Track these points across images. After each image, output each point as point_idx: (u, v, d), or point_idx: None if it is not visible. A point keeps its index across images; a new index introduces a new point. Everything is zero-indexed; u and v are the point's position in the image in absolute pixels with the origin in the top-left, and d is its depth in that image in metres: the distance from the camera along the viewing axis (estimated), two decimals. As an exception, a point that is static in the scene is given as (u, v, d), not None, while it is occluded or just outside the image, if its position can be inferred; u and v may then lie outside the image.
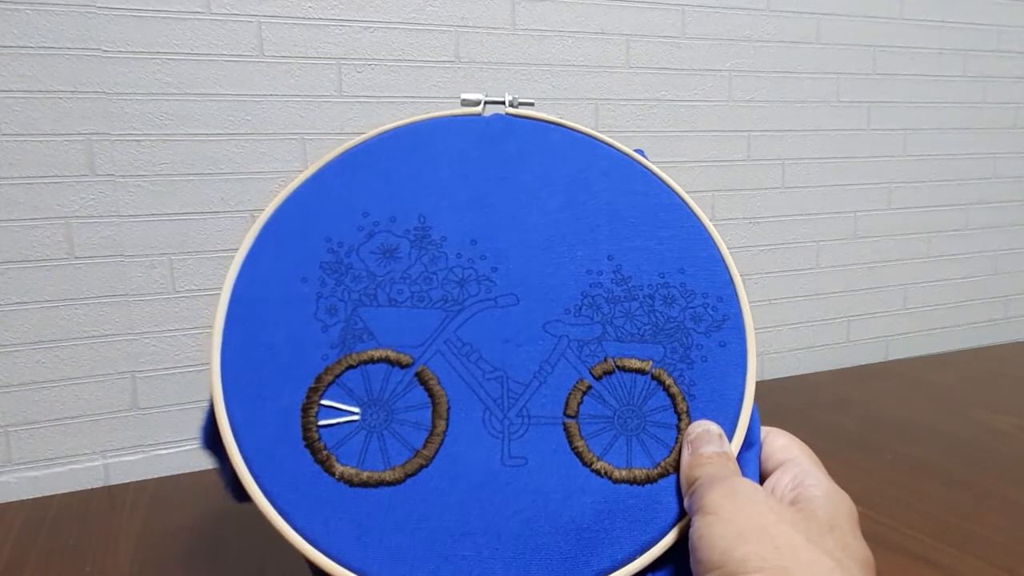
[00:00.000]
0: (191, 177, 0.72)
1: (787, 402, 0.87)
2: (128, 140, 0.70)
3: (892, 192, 1.08)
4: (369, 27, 0.77)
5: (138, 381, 0.73)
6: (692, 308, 0.39)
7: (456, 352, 0.37)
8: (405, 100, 0.79)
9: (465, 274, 0.38)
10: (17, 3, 0.65)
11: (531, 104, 0.44)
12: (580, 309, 0.38)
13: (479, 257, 0.39)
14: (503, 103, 0.43)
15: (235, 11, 0.72)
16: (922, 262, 1.12)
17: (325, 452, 0.34)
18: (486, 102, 0.43)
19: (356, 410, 0.35)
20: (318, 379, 0.36)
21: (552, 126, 0.43)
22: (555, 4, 0.84)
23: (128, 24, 0.69)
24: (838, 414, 0.82)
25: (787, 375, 1.02)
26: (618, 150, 0.43)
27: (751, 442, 0.36)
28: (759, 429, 0.37)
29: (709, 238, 0.41)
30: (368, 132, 0.41)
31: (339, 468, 0.34)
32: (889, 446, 0.72)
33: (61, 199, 0.68)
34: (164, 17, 0.70)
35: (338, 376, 0.36)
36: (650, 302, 0.39)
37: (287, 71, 0.74)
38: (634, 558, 0.33)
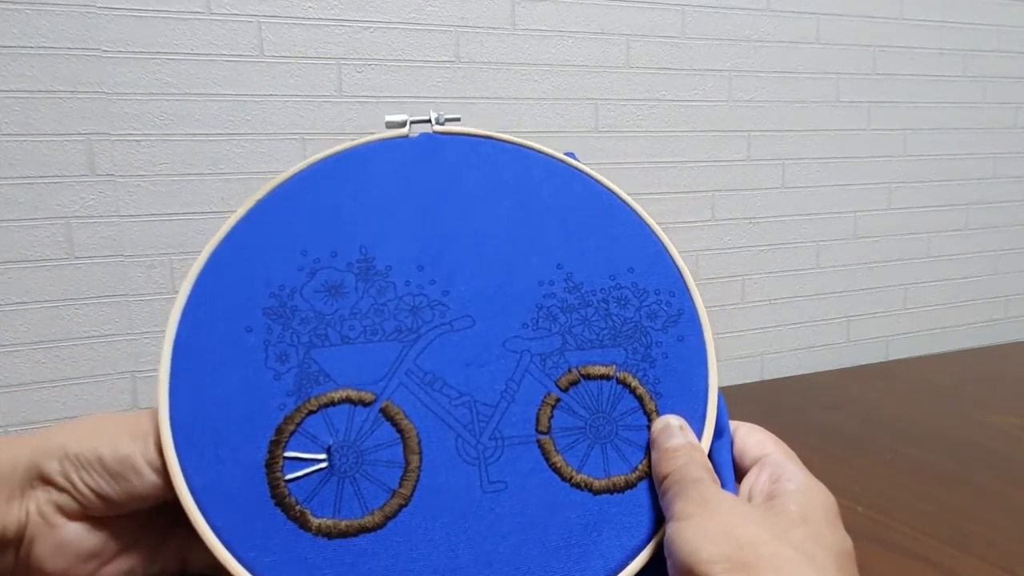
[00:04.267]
0: (191, 177, 0.72)
1: (787, 402, 0.87)
2: (128, 140, 0.70)
3: (892, 192, 1.08)
4: (369, 27, 0.77)
5: (138, 381, 0.73)
6: (647, 306, 0.39)
7: (419, 382, 0.36)
8: (405, 100, 0.79)
9: (416, 301, 0.37)
10: (17, 3, 0.65)
11: (457, 120, 0.42)
12: (537, 322, 0.38)
13: (428, 282, 0.38)
14: (428, 122, 0.42)
15: (235, 11, 0.72)
16: (922, 262, 1.12)
17: (298, 508, 0.33)
18: (411, 122, 0.41)
19: (323, 457, 0.34)
20: (278, 431, 0.34)
21: (481, 139, 0.42)
22: (555, 4, 0.84)
23: (128, 24, 0.69)
24: (838, 414, 0.82)
25: (787, 375, 1.02)
26: (551, 156, 0.42)
27: (720, 430, 0.37)
28: (727, 417, 0.37)
29: (652, 234, 0.40)
30: (296, 165, 0.40)
31: (315, 522, 0.32)
32: (889, 446, 0.72)
33: (61, 199, 0.68)
34: (164, 17, 0.70)
35: (299, 424, 0.34)
36: (605, 306, 0.38)
37: (287, 71, 0.74)
38: (626, 564, 0.33)
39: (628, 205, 0.41)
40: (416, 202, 0.39)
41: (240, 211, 0.38)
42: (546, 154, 0.42)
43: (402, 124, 0.41)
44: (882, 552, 0.52)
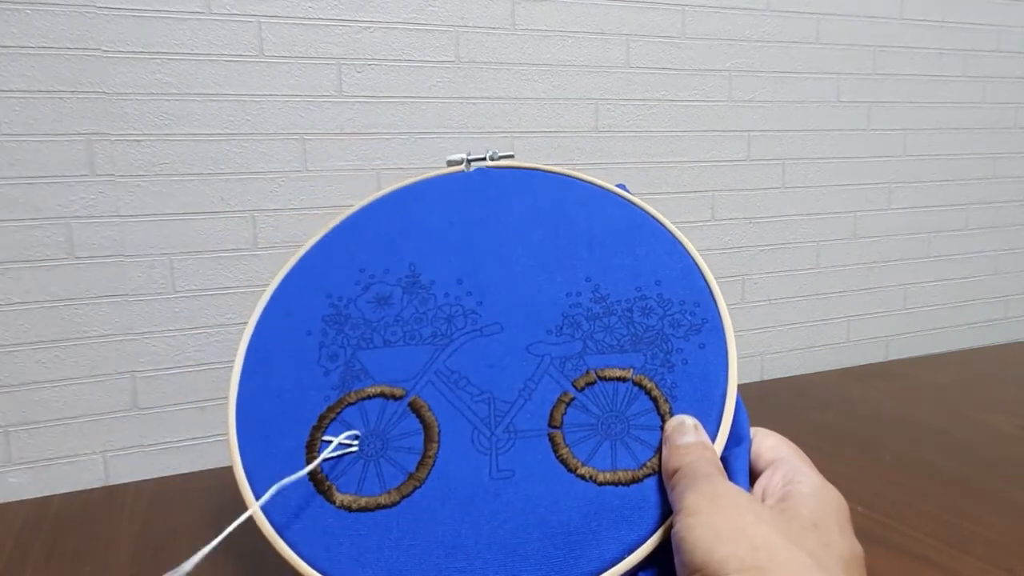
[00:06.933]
0: (191, 177, 0.72)
1: (787, 402, 0.87)
2: (128, 140, 0.70)
3: (892, 192, 1.08)
4: (369, 27, 0.77)
5: (138, 381, 0.73)
6: (670, 315, 0.40)
7: (445, 381, 0.39)
8: (405, 100, 0.79)
9: (452, 311, 0.41)
10: (17, 3, 0.65)
11: (511, 156, 0.47)
12: (561, 329, 0.40)
13: (465, 294, 0.42)
14: (484, 159, 0.47)
15: (235, 11, 0.72)
16: (922, 262, 1.12)
17: (327, 483, 0.37)
18: (469, 160, 0.47)
19: (355, 442, 0.38)
20: (320, 418, 0.38)
21: (530, 171, 0.46)
22: (555, 4, 0.84)
23: (128, 24, 0.69)
24: (838, 414, 0.82)
25: (787, 375, 1.02)
26: (589, 183, 0.46)
27: (740, 437, 0.37)
28: (748, 424, 0.38)
29: (684, 250, 0.43)
30: (365, 198, 0.45)
31: (339, 496, 0.36)
32: (889, 446, 0.72)
33: (61, 199, 0.68)
34: (164, 17, 0.70)
35: (339, 413, 0.39)
36: (628, 315, 0.40)
37: (287, 71, 0.74)
38: (623, 557, 0.34)
39: (663, 225, 0.44)
40: (462, 227, 0.44)
41: (315, 237, 0.44)
42: (588, 182, 0.46)
43: (460, 162, 0.47)
44: (882, 552, 0.52)
